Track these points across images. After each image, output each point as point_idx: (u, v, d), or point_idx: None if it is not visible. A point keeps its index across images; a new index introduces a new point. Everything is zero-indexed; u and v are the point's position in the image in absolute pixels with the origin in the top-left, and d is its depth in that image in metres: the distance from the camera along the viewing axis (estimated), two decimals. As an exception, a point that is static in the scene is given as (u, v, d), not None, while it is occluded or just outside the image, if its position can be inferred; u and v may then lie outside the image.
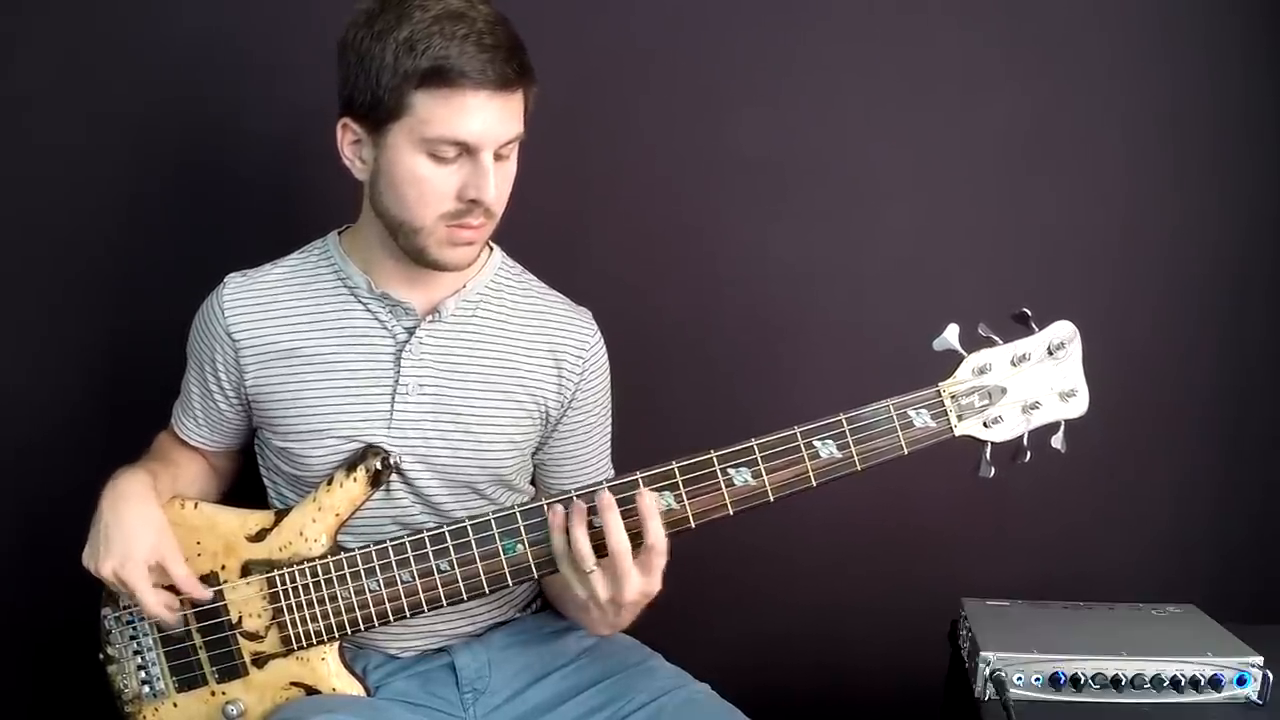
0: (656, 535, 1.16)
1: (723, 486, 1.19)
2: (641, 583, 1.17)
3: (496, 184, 1.22)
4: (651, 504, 1.17)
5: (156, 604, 1.25)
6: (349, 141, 1.26)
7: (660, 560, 1.17)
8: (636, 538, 1.17)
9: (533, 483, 1.46)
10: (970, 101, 1.73)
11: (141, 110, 1.66)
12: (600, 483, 1.21)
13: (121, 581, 1.24)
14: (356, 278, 1.33)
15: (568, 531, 1.17)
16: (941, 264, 1.75)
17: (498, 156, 1.22)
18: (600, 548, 1.17)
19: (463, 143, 1.19)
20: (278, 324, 1.34)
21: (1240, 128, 1.73)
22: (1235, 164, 1.74)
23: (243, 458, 1.47)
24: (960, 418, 1.20)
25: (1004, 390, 1.20)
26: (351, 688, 1.31)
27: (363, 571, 1.27)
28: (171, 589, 1.28)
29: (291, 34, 1.63)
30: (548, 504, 1.21)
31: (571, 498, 1.21)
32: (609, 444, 1.46)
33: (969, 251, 1.76)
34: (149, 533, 1.26)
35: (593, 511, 1.17)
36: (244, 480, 1.46)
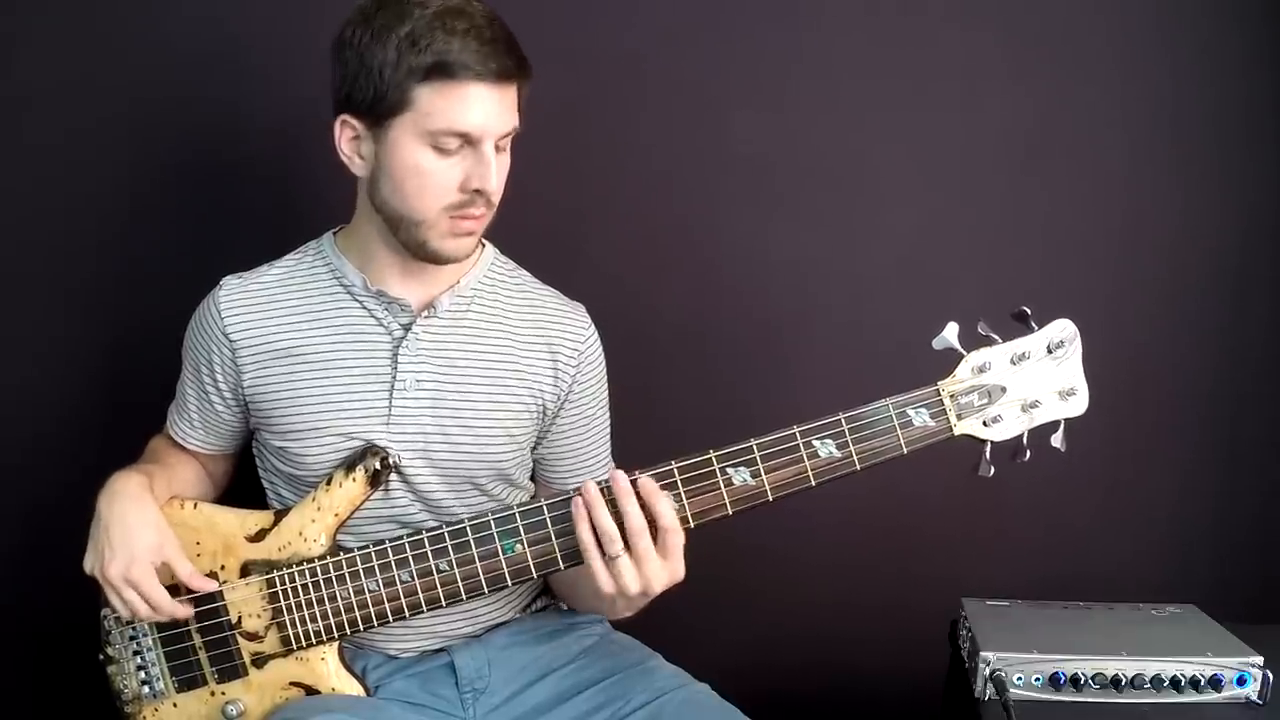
0: (668, 516, 1.17)
1: (722, 486, 1.19)
2: (665, 569, 1.18)
3: (497, 174, 1.24)
4: (654, 485, 1.18)
5: (170, 602, 1.25)
6: (348, 138, 1.27)
7: (678, 540, 1.18)
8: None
9: (532, 479, 1.46)
10: (971, 101, 1.73)
11: (139, 111, 1.67)
12: (599, 483, 1.20)
13: (131, 583, 1.24)
14: (352, 276, 1.34)
15: (590, 522, 1.17)
16: (942, 263, 1.75)
17: (496, 149, 1.24)
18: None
19: (465, 134, 1.21)
20: (275, 324, 1.34)
21: (1240, 128, 1.73)
22: (1235, 164, 1.74)
23: (237, 461, 1.47)
24: (960, 417, 1.19)
25: (1003, 389, 1.20)
26: (351, 688, 1.31)
27: (362, 571, 1.27)
28: (172, 588, 1.27)
29: (290, 35, 1.63)
30: (574, 494, 1.20)
31: (573, 497, 1.21)
32: (609, 439, 1.46)
33: (969, 251, 1.76)
34: (150, 532, 1.26)
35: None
36: (243, 481, 1.46)
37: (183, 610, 1.27)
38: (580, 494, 1.19)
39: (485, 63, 1.19)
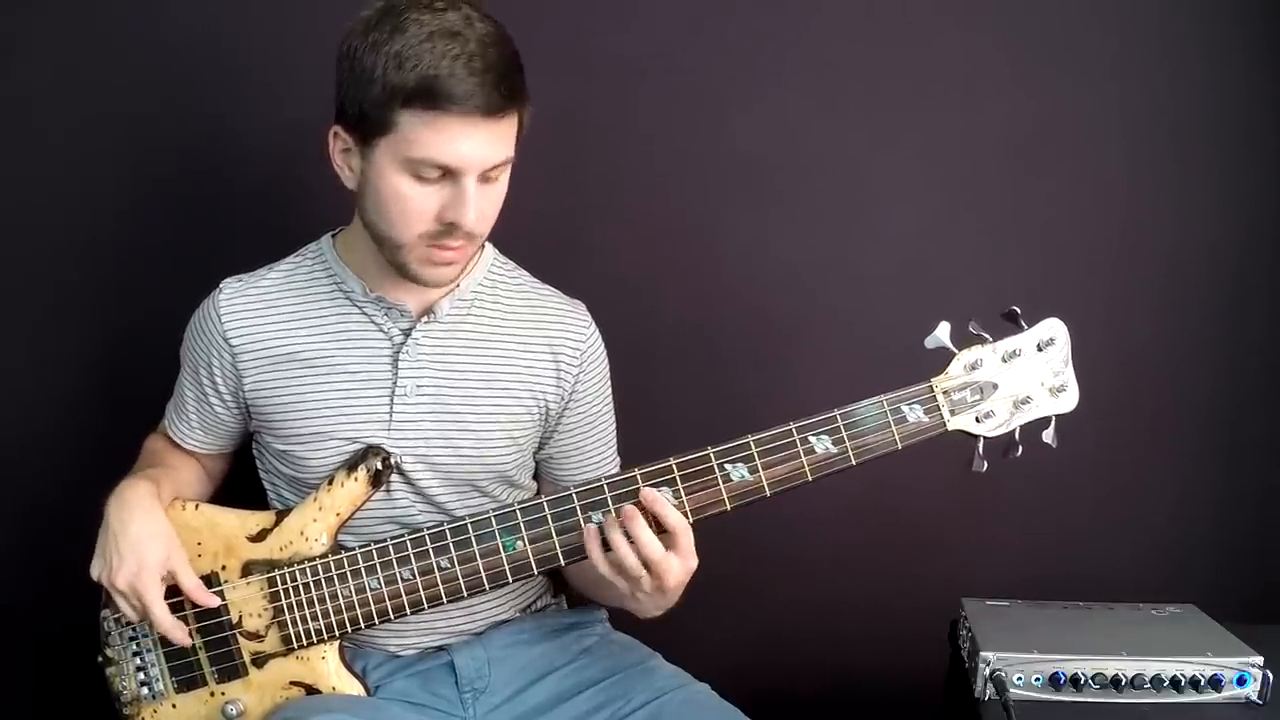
0: (673, 519, 1.18)
1: (720, 483, 1.20)
2: (680, 565, 1.19)
3: (480, 207, 1.21)
4: (653, 494, 1.19)
5: (171, 621, 1.25)
6: (339, 149, 1.25)
7: (688, 538, 1.19)
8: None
9: (535, 477, 1.46)
10: (971, 102, 1.73)
11: (140, 111, 1.67)
12: (599, 479, 1.22)
13: (136, 592, 1.24)
14: (351, 282, 1.33)
15: (605, 546, 1.19)
16: (941, 264, 1.75)
17: (485, 179, 1.21)
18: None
19: (445, 166, 1.18)
20: (275, 329, 1.34)
21: (1240, 128, 1.73)
22: (1235, 164, 1.73)
23: (235, 459, 1.47)
24: (953, 413, 1.20)
25: (995, 386, 1.21)
26: (351, 687, 1.31)
27: (363, 570, 1.27)
28: (175, 596, 1.28)
29: (290, 36, 1.64)
30: (586, 524, 1.22)
31: (571, 494, 1.22)
32: (613, 435, 1.46)
33: (968, 252, 1.76)
34: (159, 544, 1.26)
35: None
36: (243, 481, 1.46)
37: (182, 633, 1.27)
38: (598, 527, 1.20)
39: (471, 95, 1.13)
